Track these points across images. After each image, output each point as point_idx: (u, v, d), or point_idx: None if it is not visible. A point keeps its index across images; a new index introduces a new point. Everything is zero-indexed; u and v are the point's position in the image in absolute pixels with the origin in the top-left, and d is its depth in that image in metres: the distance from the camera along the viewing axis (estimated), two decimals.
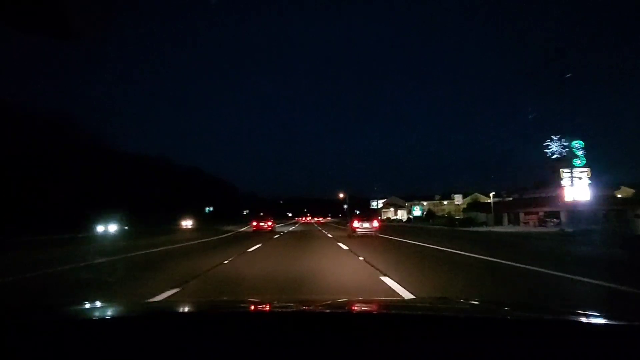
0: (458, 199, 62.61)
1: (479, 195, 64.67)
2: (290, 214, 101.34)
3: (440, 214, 60.86)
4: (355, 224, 17.07)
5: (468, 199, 62.69)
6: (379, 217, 35.09)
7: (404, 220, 69.81)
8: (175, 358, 0.92)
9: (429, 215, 58.48)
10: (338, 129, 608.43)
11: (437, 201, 77.05)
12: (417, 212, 65.17)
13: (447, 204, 72.96)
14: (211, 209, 60.88)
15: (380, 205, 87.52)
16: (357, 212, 24.23)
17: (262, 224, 25.92)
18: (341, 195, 72.93)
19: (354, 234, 16.80)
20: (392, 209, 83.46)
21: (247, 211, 74.45)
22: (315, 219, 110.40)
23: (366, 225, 17.02)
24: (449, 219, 43.92)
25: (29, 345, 0.95)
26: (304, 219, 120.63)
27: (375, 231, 17.14)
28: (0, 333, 1.01)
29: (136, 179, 48.76)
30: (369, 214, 22.18)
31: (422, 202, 74.73)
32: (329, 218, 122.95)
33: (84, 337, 0.98)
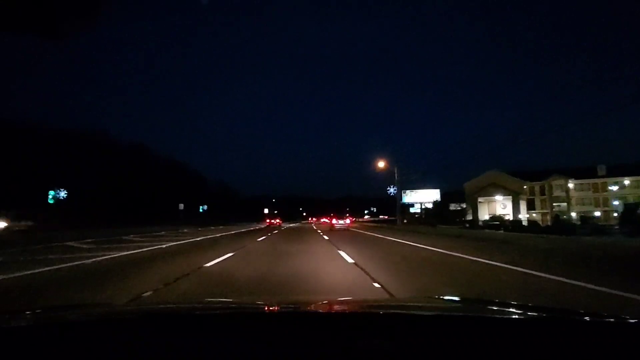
0: None
1: None
2: (266, 210, 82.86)
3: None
4: (334, 221, 27.88)
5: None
6: (353, 218, 47.70)
7: (520, 220, 40.33)
8: (168, 358, 0.93)
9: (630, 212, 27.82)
10: (343, 114, 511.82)
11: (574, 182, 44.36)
12: None
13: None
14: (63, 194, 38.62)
15: (427, 198, 54.08)
16: (338, 215, 35.23)
17: (273, 221, 39.35)
18: (381, 165, 40.56)
19: (333, 228, 25.76)
20: (498, 198, 46.84)
21: (206, 207, 66.00)
22: (335, 221, 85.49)
23: (341, 222, 27.08)
24: None
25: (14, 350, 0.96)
26: (311, 220, 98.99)
27: (348, 227, 26.42)
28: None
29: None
30: (343, 215, 33.69)
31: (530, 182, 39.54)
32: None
33: (78, 340, 0.99)
